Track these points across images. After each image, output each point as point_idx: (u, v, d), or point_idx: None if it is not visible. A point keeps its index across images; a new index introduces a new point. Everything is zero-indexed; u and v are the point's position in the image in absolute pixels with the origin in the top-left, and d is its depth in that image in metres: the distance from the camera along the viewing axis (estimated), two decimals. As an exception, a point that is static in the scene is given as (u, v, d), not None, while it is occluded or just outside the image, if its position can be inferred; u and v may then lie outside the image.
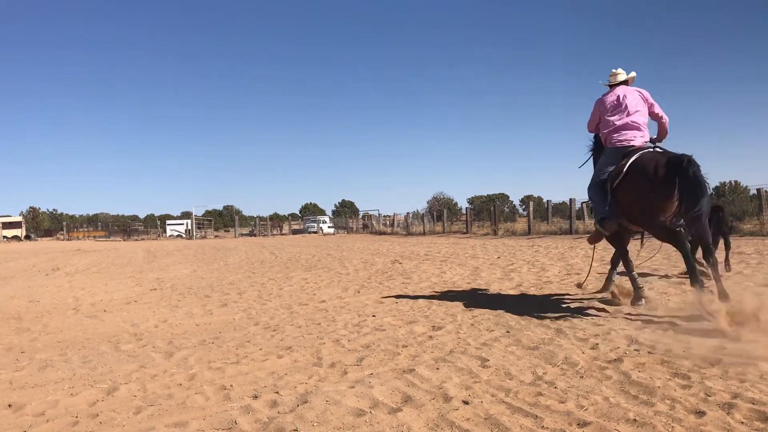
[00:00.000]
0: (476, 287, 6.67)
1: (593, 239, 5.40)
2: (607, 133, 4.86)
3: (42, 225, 57.23)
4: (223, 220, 54.99)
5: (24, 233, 45.68)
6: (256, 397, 2.83)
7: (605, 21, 73.80)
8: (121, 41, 79.58)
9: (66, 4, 77.59)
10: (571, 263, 9.20)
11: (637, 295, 4.90)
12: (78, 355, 3.89)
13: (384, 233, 32.44)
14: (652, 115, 4.91)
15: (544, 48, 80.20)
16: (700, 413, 2.37)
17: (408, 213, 34.87)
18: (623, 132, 4.77)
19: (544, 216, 23.55)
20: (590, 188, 5.03)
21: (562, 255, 11.06)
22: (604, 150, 4.94)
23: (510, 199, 51.10)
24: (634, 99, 4.83)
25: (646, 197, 4.36)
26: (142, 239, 39.77)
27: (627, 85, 5.00)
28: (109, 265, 13.05)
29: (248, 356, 3.69)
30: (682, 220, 4.48)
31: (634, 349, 3.47)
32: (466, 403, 2.62)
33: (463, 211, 34.62)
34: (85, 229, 49.68)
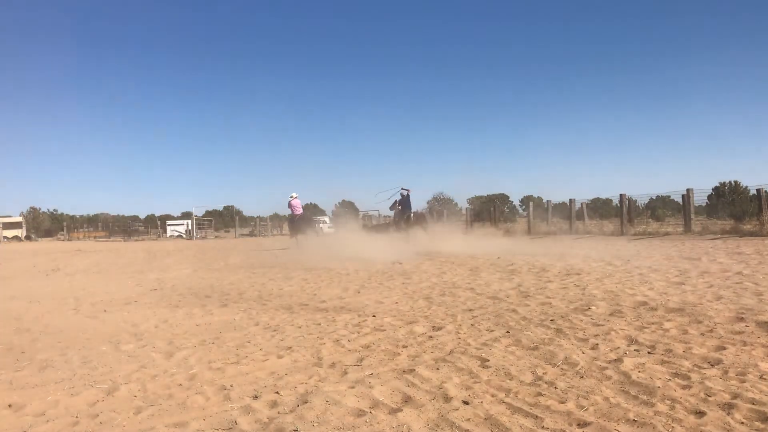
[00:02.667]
0: (476, 287, 6.67)
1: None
2: (294, 208, 17.80)
3: (42, 225, 57.18)
4: (223, 220, 54.90)
5: (24, 233, 45.61)
6: (256, 397, 2.83)
7: (605, 19, 73.78)
8: (121, 40, 79.50)
9: (65, 2, 77.58)
10: (571, 263, 9.20)
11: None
12: (78, 356, 3.89)
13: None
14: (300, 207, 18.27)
15: (545, 47, 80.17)
16: (700, 413, 2.37)
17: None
18: (297, 211, 17.71)
19: (544, 216, 23.55)
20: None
21: (562, 255, 11.07)
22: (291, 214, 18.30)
23: (510, 199, 51.02)
24: (299, 203, 17.95)
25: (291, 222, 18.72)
26: (143, 239, 39.75)
27: (297, 198, 17.84)
28: (110, 265, 13.05)
29: (248, 356, 3.69)
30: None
31: (634, 349, 3.47)
32: (466, 403, 2.63)
33: (463, 211, 34.62)
34: (86, 230, 49.64)
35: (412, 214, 17.37)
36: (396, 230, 17.25)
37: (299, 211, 17.90)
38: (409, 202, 17.56)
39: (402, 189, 17.62)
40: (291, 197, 17.81)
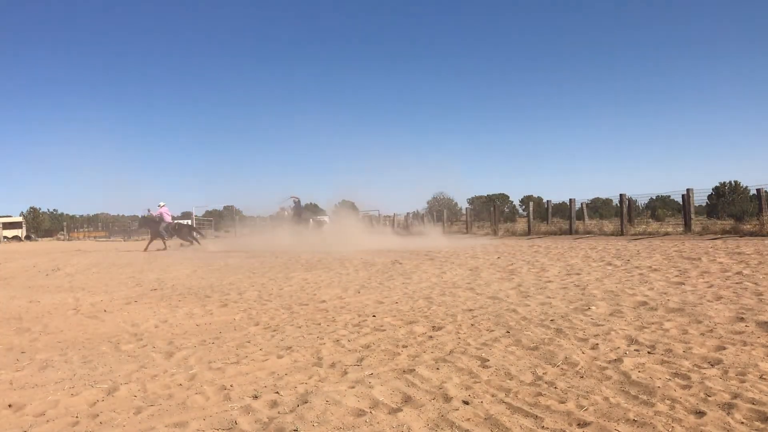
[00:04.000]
0: (476, 287, 6.67)
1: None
2: (165, 215, 20.78)
3: (42, 225, 57.12)
4: (223, 220, 54.85)
5: (24, 233, 45.56)
6: (256, 397, 2.83)
7: (605, 19, 73.74)
8: (120, 40, 79.57)
9: (66, 2, 77.59)
10: (571, 263, 9.20)
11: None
12: (78, 355, 3.89)
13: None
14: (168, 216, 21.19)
15: (545, 46, 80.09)
16: (700, 413, 2.37)
17: (408, 213, 34.85)
18: (167, 219, 20.78)
19: (544, 216, 23.55)
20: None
21: (562, 255, 11.07)
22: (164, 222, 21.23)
23: (510, 199, 51.00)
24: (167, 212, 20.91)
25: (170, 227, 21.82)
26: (143, 240, 39.75)
27: (165, 206, 20.86)
28: (110, 265, 13.05)
29: (248, 356, 3.69)
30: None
31: (634, 349, 3.47)
32: (466, 403, 2.63)
33: (463, 211, 34.63)
34: (86, 230, 49.60)
35: (301, 217, 24.13)
36: (292, 229, 22.91)
37: (169, 218, 21.34)
38: (300, 207, 24.37)
39: (292, 197, 24.05)
40: (159, 206, 21.20)
